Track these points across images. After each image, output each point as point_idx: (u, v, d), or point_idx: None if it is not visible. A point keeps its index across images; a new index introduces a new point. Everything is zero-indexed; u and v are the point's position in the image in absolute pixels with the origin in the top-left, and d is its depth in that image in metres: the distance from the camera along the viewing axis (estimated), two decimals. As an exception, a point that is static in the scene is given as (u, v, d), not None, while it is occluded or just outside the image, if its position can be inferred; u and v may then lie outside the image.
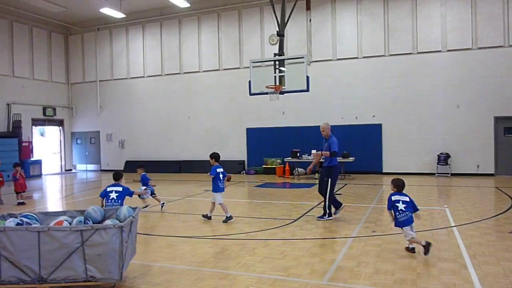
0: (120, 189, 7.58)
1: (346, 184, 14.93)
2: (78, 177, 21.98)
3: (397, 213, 6.23)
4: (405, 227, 6.21)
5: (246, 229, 8.27)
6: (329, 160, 8.86)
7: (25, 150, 21.58)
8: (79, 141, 25.17)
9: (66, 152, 24.88)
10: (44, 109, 23.37)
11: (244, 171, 20.26)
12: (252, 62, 15.05)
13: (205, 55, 21.34)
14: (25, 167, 19.40)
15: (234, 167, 20.39)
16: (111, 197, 7.45)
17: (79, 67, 24.67)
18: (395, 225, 6.31)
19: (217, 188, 9.09)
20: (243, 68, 20.46)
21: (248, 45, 20.39)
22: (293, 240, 7.33)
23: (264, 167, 19.60)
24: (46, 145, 25.28)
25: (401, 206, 6.21)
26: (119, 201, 7.48)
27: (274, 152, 19.38)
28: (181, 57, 21.88)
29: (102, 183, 19.05)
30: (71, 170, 25.03)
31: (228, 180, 17.10)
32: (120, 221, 5.42)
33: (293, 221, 8.84)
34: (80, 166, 25.28)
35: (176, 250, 6.84)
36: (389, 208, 6.35)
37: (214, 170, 9.09)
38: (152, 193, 10.93)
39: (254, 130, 20.35)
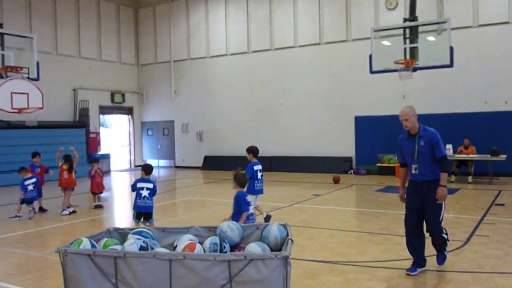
0: (151, 185, 8.02)
1: (500, 192, 13.14)
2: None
3: None
4: None
5: (403, 253, 7.05)
6: (434, 169, 5.89)
7: (93, 142, 21.92)
8: (150, 133, 25.28)
9: (136, 145, 25.11)
10: (113, 94, 23.66)
11: (351, 171, 18.98)
12: (374, 31, 13.79)
13: (302, 26, 20.25)
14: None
15: (338, 165, 19.17)
16: (142, 195, 7.92)
17: (151, 45, 24.71)
18: None
19: (251, 189, 8.75)
20: (351, 40, 19.11)
21: (358, 12, 18.99)
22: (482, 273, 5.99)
23: (379, 166, 18.17)
24: (113, 136, 25.74)
25: None
26: (151, 199, 7.99)
27: (392, 147, 17.85)
28: (272, 30, 20.98)
29: (177, 183, 18.75)
30: (140, 166, 25.21)
31: (336, 182, 15.97)
32: (270, 245, 4.48)
33: (463, 244, 7.47)
34: (151, 162, 25.35)
35: (321, 283, 5.79)
36: None
37: (250, 168, 8.91)
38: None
39: (365, 119, 18.95)
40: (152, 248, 4.09)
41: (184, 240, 4.44)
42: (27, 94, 12.85)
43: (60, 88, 20.75)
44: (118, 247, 4.16)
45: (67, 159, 11.21)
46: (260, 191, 9.11)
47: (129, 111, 24.96)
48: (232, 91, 22.15)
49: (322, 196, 13.31)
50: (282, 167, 20.51)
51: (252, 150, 9.25)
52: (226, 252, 4.37)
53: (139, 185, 8.07)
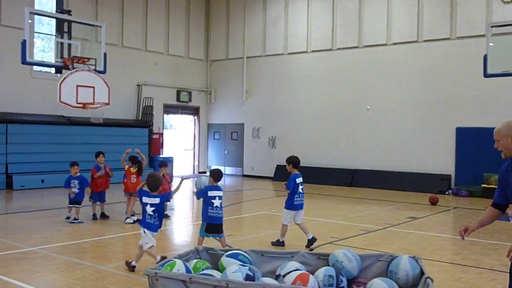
0: (221, 193, 7.90)
1: None
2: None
3: None
4: None
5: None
6: None
7: (155, 144, 22.12)
8: (216, 136, 25.25)
9: (201, 149, 25.14)
10: (178, 92, 23.82)
11: (450, 191, 17.91)
12: (492, 27, 12.90)
13: (397, 21, 19.46)
14: (154, 166, 19.70)
15: (434, 183, 18.16)
16: (214, 204, 7.73)
17: (222, 40, 24.72)
18: None
19: (290, 204, 8.89)
20: (455, 38, 18.13)
21: (466, 5, 17.96)
22: None
23: (484, 187, 17.01)
24: (176, 138, 25.94)
25: None
26: (222, 209, 7.84)
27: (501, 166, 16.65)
28: (361, 25, 20.32)
29: (245, 194, 18.46)
30: (205, 172, 25.21)
31: (434, 203, 15.06)
32: (399, 282, 3.95)
33: None
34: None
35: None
36: None
37: (293, 181, 8.86)
38: None
39: (469, 131, 17.84)
40: (259, 280, 3.67)
41: (290, 268, 4.00)
42: (93, 88, 12.97)
43: (124, 83, 21.06)
44: (213, 272, 3.77)
45: (135, 161, 11.13)
46: (300, 206, 9.01)
47: (195, 111, 25.06)
48: (312, 93, 21.64)
49: (419, 219, 12.52)
50: (366, 182, 19.74)
51: (293, 161, 9.16)
52: (343, 288, 3.89)
53: (211, 193, 7.80)
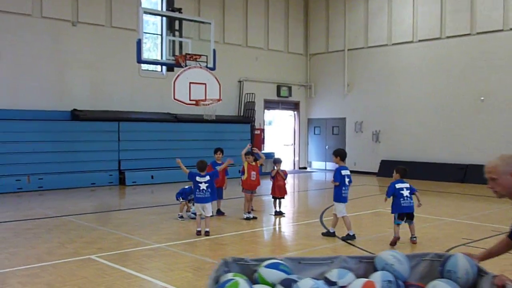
0: (408, 185, 8.98)
1: None
2: (314, 179, 21.52)
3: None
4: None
5: None
6: None
7: (257, 139, 22.10)
8: (317, 131, 24.86)
9: (301, 144, 24.87)
10: (279, 87, 23.68)
11: None
12: None
13: (515, 4, 18.13)
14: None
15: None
16: (404, 195, 8.80)
17: (322, 32, 24.26)
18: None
19: (339, 197, 9.15)
20: None
21: None
22: None
23: None
24: (277, 134, 25.83)
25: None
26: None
27: None
28: (473, 10, 19.09)
29: (352, 190, 17.90)
30: (305, 168, 24.93)
31: None
32: (460, 282, 3.52)
33: None
34: (317, 164, 24.96)
35: None
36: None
37: (338, 173, 9.08)
38: None
39: None
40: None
41: (345, 276, 3.56)
42: (205, 84, 13.02)
43: (226, 80, 21.05)
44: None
45: (255, 158, 11.06)
46: (346, 199, 9.27)
47: (295, 106, 24.83)
48: (418, 85, 20.68)
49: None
50: (479, 178, 18.38)
51: (340, 153, 9.37)
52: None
53: (398, 185, 8.80)
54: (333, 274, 3.64)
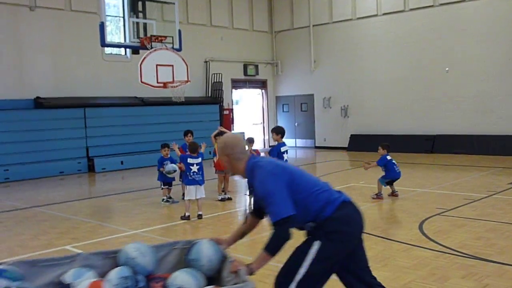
0: None
1: None
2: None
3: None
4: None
5: None
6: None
7: (226, 120, 21.95)
8: (286, 108, 24.84)
9: (270, 122, 24.82)
10: (245, 66, 23.50)
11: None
12: None
13: (476, -26, 18.28)
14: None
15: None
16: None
17: (286, 9, 24.07)
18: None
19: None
20: (544, -11, 16.84)
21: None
22: None
23: None
24: (245, 113, 25.71)
25: None
26: None
27: None
28: (436, -19, 19.25)
29: (323, 166, 18.03)
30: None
31: None
32: (203, 269, 3.58)
33: None
34: (288, 142, 24.71)
35: None
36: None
37: (276, 150, 9.26)
38: None
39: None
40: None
41: (83, 276, 3.36)
42: (172, 66, 12.79)
43: (192, 60, 20.67)
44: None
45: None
46: None
47: (262, 84, 24.70)
48: (385, 58, 20.79)
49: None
50: (447, 148, 18.88)
51: (280, 131, 9.51)
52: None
53: (389, 158, 10.49)
54: (68, 275, 3.36)
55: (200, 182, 9.32)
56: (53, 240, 7.99)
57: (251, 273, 3.35)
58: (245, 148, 3.77)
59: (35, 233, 8.51)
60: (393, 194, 10.52)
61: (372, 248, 6.81)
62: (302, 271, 3.46)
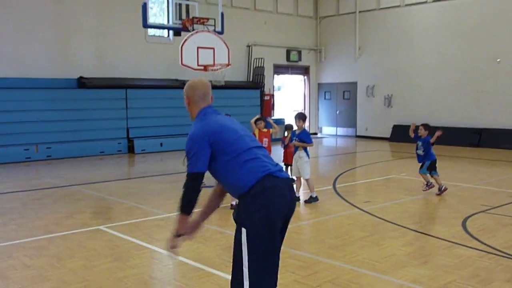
0: None
1: None
2: (324, 145, 21.18)
3: None
4: None
5: None
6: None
7: (266, 105, 21.76)
8: (327, 96, 24.44)
9: (311, 110, 24.49)
10: (288, 52, 23.18)
11: None
12: None
13: (534, -39, 17.40)
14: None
15: None
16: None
17: (332, -6, 23.63)
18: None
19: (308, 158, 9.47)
20: None
21: None
22: None
23: None
24: (287, 100, 25.45)
25: None
26: None
27: None
28: (490, -32, 18.43)
29: (363, 156, 17.63)
30: (316, 134, 24.60)
31: None
32: None
33: None
34: (328, 130, 24.62)
35: None
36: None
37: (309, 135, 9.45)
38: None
39: None
40: None
41: None
42: (213, 49, 12.64)
43: (235, 44, 20.50)
44: None
45: (265, 125, 10.68)
46: None
47: (305, 70, 24.35)
48: (432, 47, 20.11)
49: None
50: (494, 142, 18.16)
51: (305, 117, 9.77)
52: None
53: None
54: None
55: None
56: (87, 219, 8.00)
57: (178, 235, 3.59)
58: (207, 95, 3.72)
59: (71, 212, 8.55)
60: (432, 186, 9.86)
61: (411, 243, 6.54)
62: (246, 264, 3.32)
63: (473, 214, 8.10)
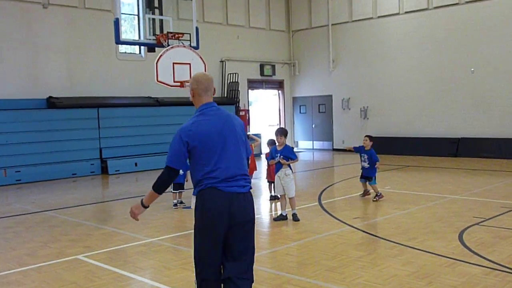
0: None
1: None
2: (302, 159, 20.75)
3: None
4: None
5: None
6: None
7: (242, 120, 21.37)
8: (303, 110, 24.25)
9: (286, 124, 24.24)
10: (262, 66, 22.96)
11: None
12: None
13: (504, -29, 17.58)
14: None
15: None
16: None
17: (304, 8, 23.51)
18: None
19: None
20: None
21: None
22: None
23: None
24: (262, 114, 25.18)
25: None
26: None
27: None
28: (461, -21, 18.57)
29: (342, 170, 17.40)
30: (292, 148, 24.28)
31: None
32: None
33: None
34: (304, 144, 24.39)
35: None
36: None
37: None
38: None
39: None
40: None
41: None
42: (190, 64, 12.26)
43: (208, 60, 20.01)
44: None
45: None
46: None
47: (279, 85, 24.15)
48: (406, 59, 20.13)
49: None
50: (473, 152, 18.19)
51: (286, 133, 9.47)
52: None
53: None
54: None
55: None
56: (64, 248, 7.47)
57: (144, 206, 4.26)
58: (209, 89, 4.11)
59: (46, 240, 8.01)
60: (368, 193, 10.72)
61: (412, 262, 6.21)
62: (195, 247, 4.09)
63: (467, 227, 7.86)
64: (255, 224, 4.23)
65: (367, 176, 10.55)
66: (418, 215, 9.12)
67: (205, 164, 3.92)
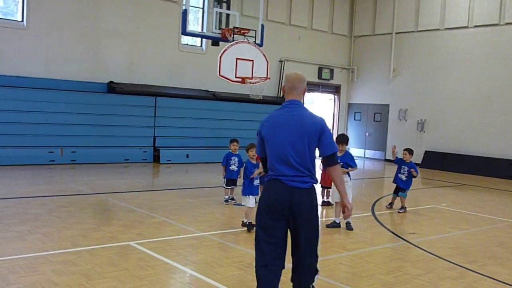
0: None
1: None
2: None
3: None
4: None
5: None
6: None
7: (295, 122, 21.20)
8: (357, 117, 23.86)
9: (339, 129, 23.91)
10: (320, 69, 22.70)
11: None
12: None
13: None
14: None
15: None
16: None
17: (369, 14, 23.12)
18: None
19: None
20: None
21: None
22: None
23: None
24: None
25: None
26: None
27: None
28: (538, -4, 17.81)
29: (386, 182, 16.93)
30: (352, 156, 23.93)
31: None
32: None
33: None
34: (356, 151, 23.94)
35: None
36: None
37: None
38: None
39: None
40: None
41: None
42: (253, 61, 12.16)
43: (268, 58, 20.21)
44: None
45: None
46: None
47: (336, 89, 23.83)
48: (470, 74, 19.48)
49: None
50: (533, 176, 17.43)
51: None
52: None
53: None
54: None
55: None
56: (116, 233, 7.50)
57: None
58: (294, 88, 4.31)
59: (98, 223, 8.06)
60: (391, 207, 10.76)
61: (474, 287, 5.90)
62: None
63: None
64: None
65: (403, 187, 10.38)
66: (477, 237, 8.73)
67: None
